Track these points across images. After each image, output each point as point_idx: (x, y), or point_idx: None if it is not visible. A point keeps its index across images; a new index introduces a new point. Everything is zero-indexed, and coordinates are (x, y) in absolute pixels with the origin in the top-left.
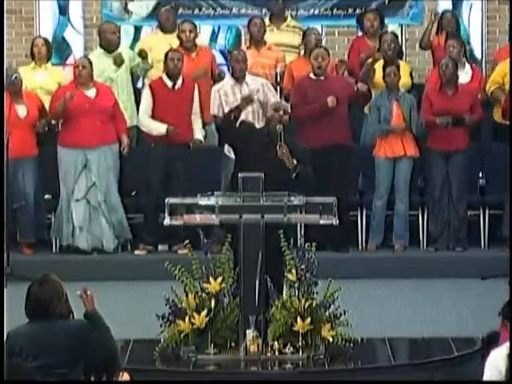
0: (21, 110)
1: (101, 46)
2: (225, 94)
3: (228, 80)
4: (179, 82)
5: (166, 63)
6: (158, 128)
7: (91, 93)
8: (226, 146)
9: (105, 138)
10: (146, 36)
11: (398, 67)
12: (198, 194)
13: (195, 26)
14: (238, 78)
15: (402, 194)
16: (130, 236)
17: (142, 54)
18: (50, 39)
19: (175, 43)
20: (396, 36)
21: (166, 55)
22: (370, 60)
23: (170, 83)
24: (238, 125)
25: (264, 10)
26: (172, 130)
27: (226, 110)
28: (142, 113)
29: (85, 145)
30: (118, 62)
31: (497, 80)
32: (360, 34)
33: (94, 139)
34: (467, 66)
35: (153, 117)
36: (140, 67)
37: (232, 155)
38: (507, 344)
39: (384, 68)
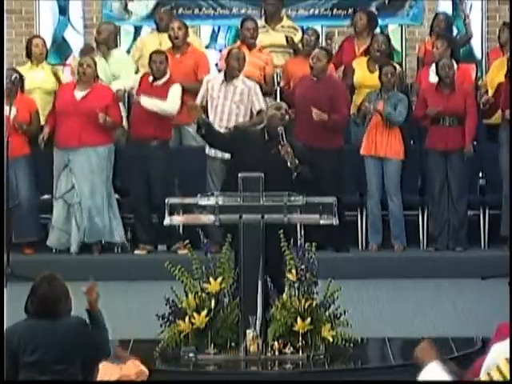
0: (9, 111)
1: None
2: (212, 88)
3: (220, 76)
4: (160, 81)
5: (150, 65)
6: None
7: (80, 94)
8: (207, 147)
9: (86, 140)
10: (144, 36)
11: (394, 68)
12: (181, 195)
13: (185, 25)
14: (229, 76)
15: (392, 195)
16: (109, 238)
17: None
18: (50, 39)
19: (166, 42)
20: (388, 38)
21: (150, 57)
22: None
23: (151, 79)
24: (231, 130)
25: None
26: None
27: (209, 104)
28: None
29: (65, 145)
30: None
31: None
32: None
33: (73, 141)
34: (454, 66)
35: None
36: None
37: (212, 153)
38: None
39: (380, 68)
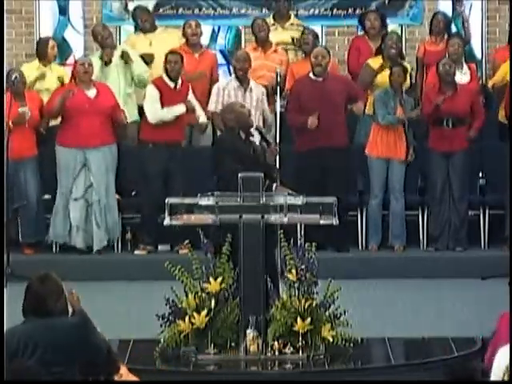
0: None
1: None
2: (228, 95)
3: (232, 81)
4: (179, 82)
5: (166, 65)
6: (178, 110)
7: (91, 93)
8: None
9: (104, 139)
10: (128, 37)
11: (403, 68)
12: (197, 194)
13: (200, 24)
14: (242, 80)
15: (397, 194)
16: (117, 236)
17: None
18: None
19: (157, 41)
20: (399, 37)
21: (166, 57)
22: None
23: (171, 84)
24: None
25: (264, 10)
26: (191, 105)
27: None
28: (154, 107)
29: (84, 145)
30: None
31: (500, 78)
32: (361, 33)
33: (94, 140)
34: (465, 66)
35: None
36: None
37: None
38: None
39: (390, 68)
